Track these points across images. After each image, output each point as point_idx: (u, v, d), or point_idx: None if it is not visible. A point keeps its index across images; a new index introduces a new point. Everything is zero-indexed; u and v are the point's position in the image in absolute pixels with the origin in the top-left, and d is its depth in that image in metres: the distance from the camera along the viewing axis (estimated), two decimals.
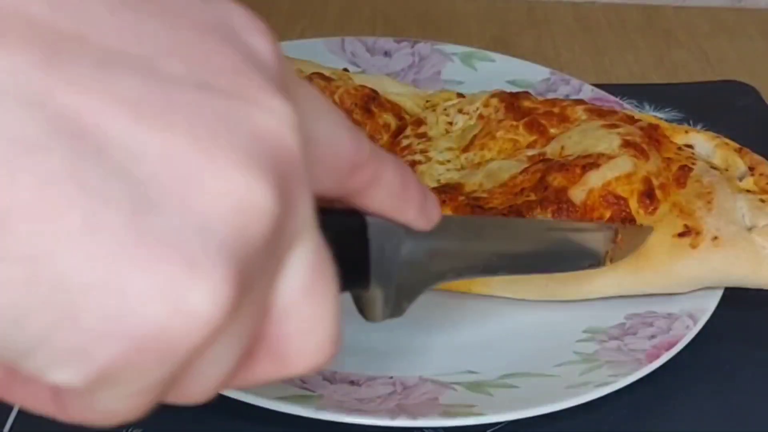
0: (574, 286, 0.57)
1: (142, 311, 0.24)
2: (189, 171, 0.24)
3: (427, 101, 0.67)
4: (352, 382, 0.52)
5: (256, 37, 0.27)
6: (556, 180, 0.57)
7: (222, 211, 0.25)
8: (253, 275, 0.26)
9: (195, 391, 0.28)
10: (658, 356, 0.53)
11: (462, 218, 0.51)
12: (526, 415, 0.50)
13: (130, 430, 0.50)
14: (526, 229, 0.47)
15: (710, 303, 0.57)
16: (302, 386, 0.51)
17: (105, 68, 0.24)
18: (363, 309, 0.37)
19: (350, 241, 0.35)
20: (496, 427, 0.51)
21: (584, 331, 0.57)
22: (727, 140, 0.62)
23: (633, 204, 0.57)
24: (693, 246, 0.56)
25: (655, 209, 0.57)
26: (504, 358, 0.55)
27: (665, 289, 0.57)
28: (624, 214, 0.56)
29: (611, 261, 0.52)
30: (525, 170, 0.59)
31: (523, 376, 0.53)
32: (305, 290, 0.28)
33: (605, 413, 0.53)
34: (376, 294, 0.36)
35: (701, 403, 0.54)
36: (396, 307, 0.38)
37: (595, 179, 0.57)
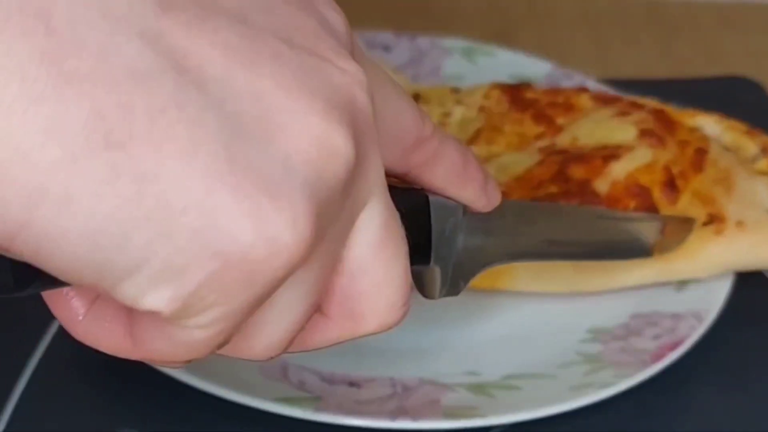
0: (601, 278, 0.57)
1: (230, 232, 0.26)
2: (274, 110, 0.27)
3: (416, 95, 0.66)
4: (351, 383, 0.52)
5: (330, 9, 0.31)
6: (578, 172, 0.57)
7: (304, 150, 0.27)
8: (329, 219, 0.29)
9: (263, 341, 0.30)
10: (663, 357, 0.53)
11: (516, 203, 0.52)
12: (528, 417, 0.50)
13: (123, 430, 0.50)
14: (578, 216, 0.49)
15: (716, 303, 0.56)
16: (301, 388, 0.51)
17: (209, 17, 0.27)
18: (422, 286, 0.39)
19: (414, 217, 0.36)
20: (499, 430, 0.51)
21: (588, 332, 0.56)
22: (734, 122, 0.62)
23: (656, 194, 0.56)
24: (717, 233, 0.56)
25: (676, 198, 0.57)
26: (506, 359, 0.54)
27: (691, 275, 0.57)
28: (647, 204, 0.56)
29: (659, 252, 0.52)
30: (540, 162, 0.59)
31: (525, 378, 0.53)
32: (377, 247, 0.31)
33: (609, 415, 0.52)
34: (435, 271, 0.38)
35: (708, 404, 0.54)
36: (453, 285, 0.39)
37: (617, 170, 0.57)
